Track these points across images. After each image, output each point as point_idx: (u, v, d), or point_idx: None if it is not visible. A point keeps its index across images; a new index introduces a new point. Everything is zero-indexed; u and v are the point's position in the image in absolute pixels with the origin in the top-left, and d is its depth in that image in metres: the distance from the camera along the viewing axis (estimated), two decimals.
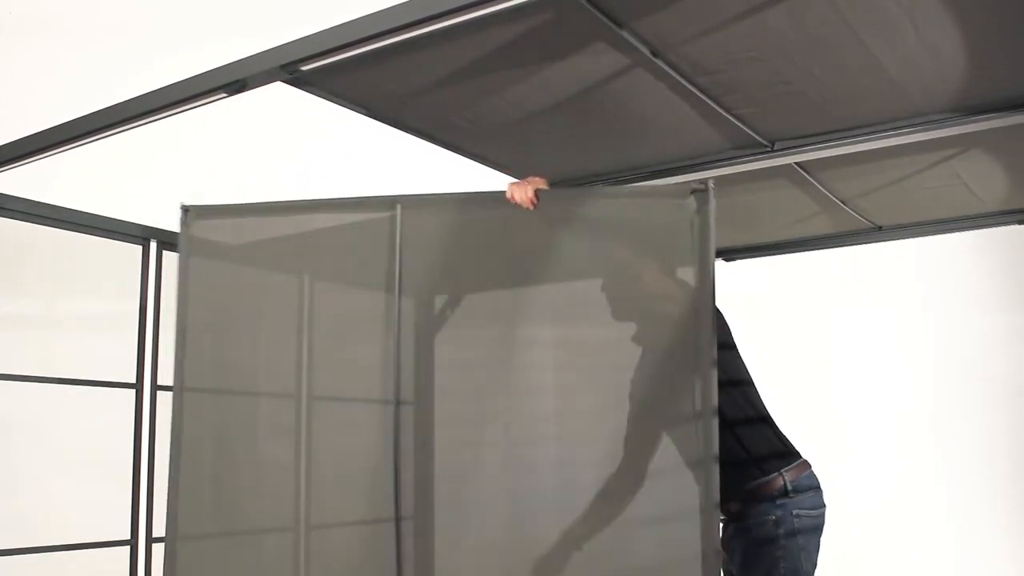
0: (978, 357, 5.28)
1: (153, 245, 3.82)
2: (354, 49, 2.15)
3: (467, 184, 3.62)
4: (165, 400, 3.75)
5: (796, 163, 3.00)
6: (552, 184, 3.24)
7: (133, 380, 3.66)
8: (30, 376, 3.35)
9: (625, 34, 2.15)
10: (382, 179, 5.79)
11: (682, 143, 2.86)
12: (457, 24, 2.02)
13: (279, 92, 2.45)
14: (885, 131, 2.68)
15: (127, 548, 3.55)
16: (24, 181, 3.24)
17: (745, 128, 2.71)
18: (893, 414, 5.42)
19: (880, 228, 3.86)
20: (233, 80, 2.34)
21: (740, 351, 2.68)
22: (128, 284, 3.76)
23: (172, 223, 3.96)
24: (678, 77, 2.37)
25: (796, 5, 2.03)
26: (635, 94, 2.50)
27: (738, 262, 4.36)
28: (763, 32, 2.15)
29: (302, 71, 2.29)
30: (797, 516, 2.46)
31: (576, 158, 3.04)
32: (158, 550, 3.62)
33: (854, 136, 2.73)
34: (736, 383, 2.59)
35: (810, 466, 2.61)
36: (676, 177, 3.04)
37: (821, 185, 3.26)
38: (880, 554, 5.31)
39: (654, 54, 2.26)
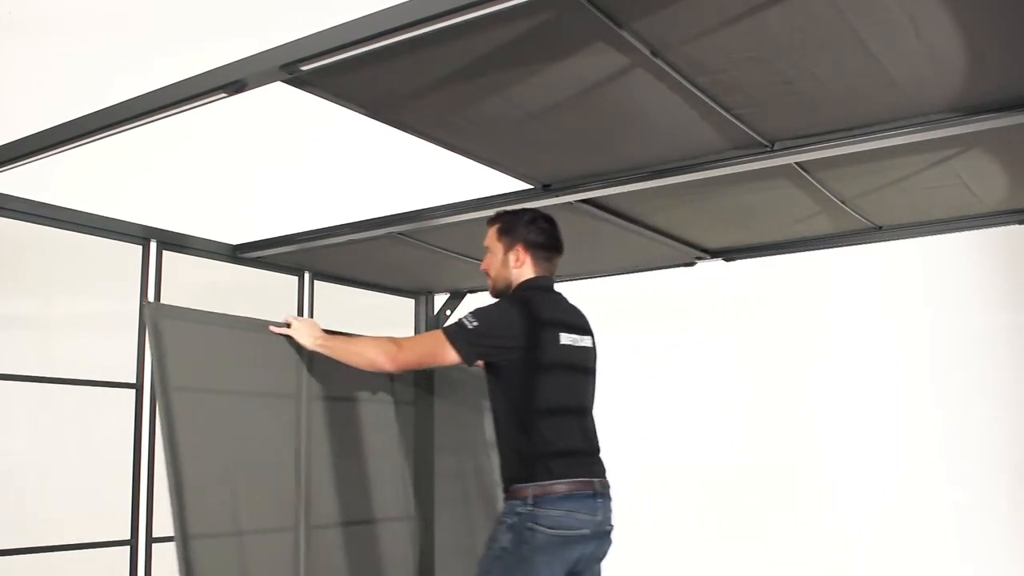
0: (978, 357, 5.27)
1: (153, 245, 3.82)
2: (354, 49, 2.15)
3: (467, 184, 3.63)
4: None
5: (796, 163, 3.00)
6: (552, 184, 3.26)
7: (133, 380, 3.66)
8: (30, 376, 3.35)
9: (625, 34, 2.15)
10: (382, 179, 5.80)
11: (682, 143, 2.86)
12: (457, 24, 2.02)
13: (279, 92, 2.45)
14: (885, 131, 2.68)
15: (127, 548, 3.56)
16: (24, 181, 3.24)
17: (745, 128, 2.71)
18: (893, 414, 5.42)
19: (880, 228, 3.86)
20: (233, 80, 2.34)
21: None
22: (128, 284, 3.77)
23: (172, 223, 3.97)
24: (678, 77, 2.37)
25: (796, 5, 2.03)
26: (635, 94, 2.50)
27: (738, 262, 4.37)
28: (763, 32, 2.15)
29: (302, 71, 2.29)
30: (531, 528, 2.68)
31: (576, 158, 3.04)
32: (158, 550, 3.63)
33: (854, 136, 2.72)
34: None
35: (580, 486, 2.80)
36: (676, 177, 3.04)
37: (821, 185, 3.26)
38: (879, 554, 5.31)
39: (654, 54, 2.26)
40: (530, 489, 2.71)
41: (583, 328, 3.03)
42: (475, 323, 2.79)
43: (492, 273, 3.06)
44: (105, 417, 3.62)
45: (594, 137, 2.85)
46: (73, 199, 3.59)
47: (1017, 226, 3.68)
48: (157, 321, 3.01)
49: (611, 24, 2.11)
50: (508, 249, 3.01)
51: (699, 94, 2.47)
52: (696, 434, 5.89)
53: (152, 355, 2.98)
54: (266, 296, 4.48)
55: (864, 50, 2.22)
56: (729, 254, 4.30)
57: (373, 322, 5.10)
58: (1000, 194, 3.39)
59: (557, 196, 3.27)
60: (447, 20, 2.00)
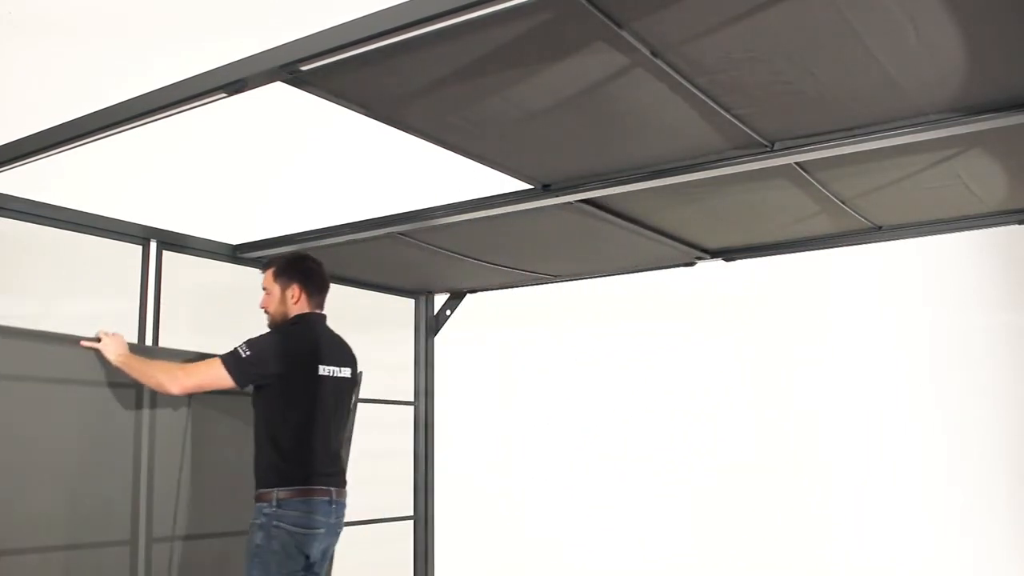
0: (978, 357, 5.27)
1: (153, 245, 3.82)
2: (354, 49, 2.15)
3: (467, 184, 3.63)
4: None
5: (796, 163, 3.00)
6: (552, 184, 3.26)
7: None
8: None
9: (625, 34, 2.15)
10: (382, 179, 5.80)
11: (682, 143, 2.86)
12: (457, 24, 2.02)
13: (279, 92, 2.45)
14: (885, 131, 2.68)
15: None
16: (24, 181, 3.24)
17: (745, 128, 2.71)
18: (892, 414, 5.41)
19: (880, 228, 3.86)
20: (233, 80, 2.35)
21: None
22: (128, 284, 3.76)
23: (172, 223, 3.97)
24: (678, 77, 2.37)
25: (796, 5, 2.03)
26: (635, 94, 2.50)
27: (738, 262, 4.37)
28: (763, 32, 2.15)
29: (302, 71, 2.29)
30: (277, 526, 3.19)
31: (576, 158, 3.04)
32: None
33: (854, 136, 2.73)
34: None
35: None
36: (676, 177, 3.04)
37: (821, 185, 3.26)
38: (879, 553, 5.30)
39: (654, 54, 2.26)
40: (275, 493, 3.21)
41: (343, 361, 3.50)
42: (247, 352, 3.22)
43: (271, 310, 3.46)
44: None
45: (594, 137, 2.85)
46: (73, 199, 3.59)
47: (1017, 226, 3.68)
48: None
49: (611, 24, 2.11)
50: (284, 288, 3.43)
51: (699, 94, 2.47)
52: (696, 434, 5.89)
53: None
54: None
55: (864, 50, 2.22)
56: (729, 254, 4.30)
57: (373, 322, 5.11)
58: (1000, 194, 3.39)
59: (557, 196, 3.28)
60: (447, 20, 2.00)
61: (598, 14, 2.07)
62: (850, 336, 5.64)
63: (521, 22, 2.10)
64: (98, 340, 3.22)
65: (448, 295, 5.23)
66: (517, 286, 5.02)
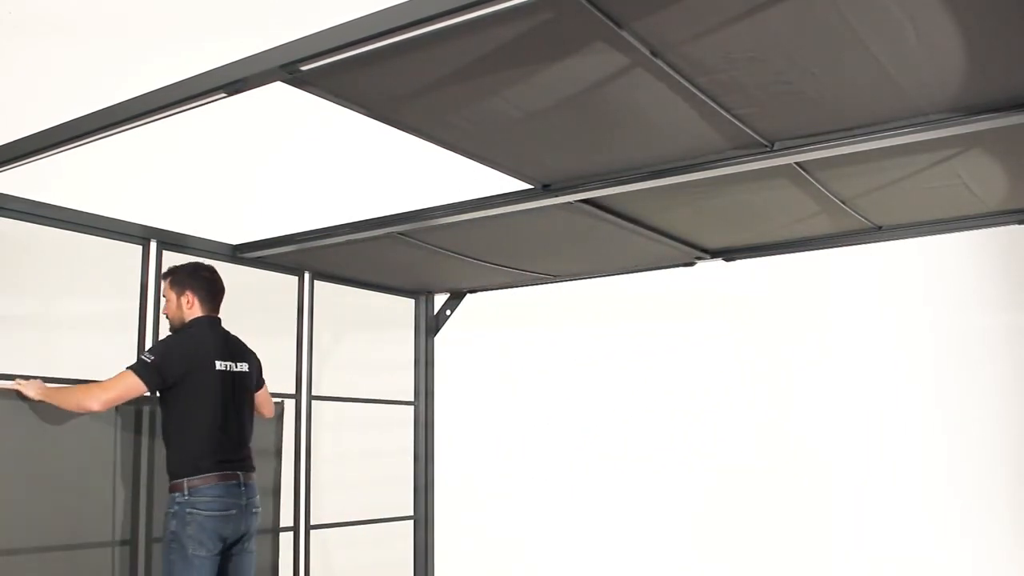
0: (978, 357, 5.27)
1: (153, 245, 3.83)
2: (354, 49, 2.15)
3: (467, 184, 3.63)
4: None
5: (796, 163, 3.00)
6: (552, 184, 3.26)
7: None
8: (29, 376, 3.35)
9: (625, 34, 2.15)
10: (382, 179, 5.80)
11: (682, 143, 2.86)
12: (457, 24, 2.02)
13: (279, 92, 2.45)
14: (885, 131, 2.68)
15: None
16: (24, 181, 3.24)
17: (745, 128, 2.70)
18: (892, 414, 5.41)
19: (880, 228, 3.86)
20: (233, 80, 2.35)
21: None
22: (128, 284, 3.76)
23: (172, 223, 3.97)
24: (678, 77, 2.37)
25: (796, 5, 2.03)
26: (635, 94, 2.50)
27: (738, 262, 4.36)
28: (763, 32, 2.15)
29: (302, 71, 2.29)
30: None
31: (576, 158, 3.04)
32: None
33: (854, 136, 2.72)
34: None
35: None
36: (676, 177, 3.04)
37: (821, 185, 3.25)
38: (879, 552, 5.30)
39: (654, 54, 2.26)
40: (186, 482, 3.42)
41: (239, 356, 3.74)
42: (152, 357, 3.45)
43: (170, 315, 3.69)
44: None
45: (594, 137, 2.85)
46: (73, 199, 3.59)
47: (1017, 226, 3.68)
48: None
49: (611, 24, 2.11)
50: (179, 295, 3.65)
51: (699, 94, 2.47)
52: (696, 433, 5.89)
53: None
54: (266, 296, 4.49)
55: (864, 50, 2.22)
56: (729, 254, 4.30)
57: (373, 322, 5.11)
58: (1000, 194, 3.39)
59: (557, 196, 3.28)
60: (447, 20, 2.00)
61: (598, 14, 2.06)
62: (850, 336, 5.64)
63: (521, 22, 2.10)
64: (16, 383, 3.35)
65: (448, 295, 5.23)
66: (517, 286, 5.02)
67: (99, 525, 3.50)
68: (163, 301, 3.70)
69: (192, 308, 3.64)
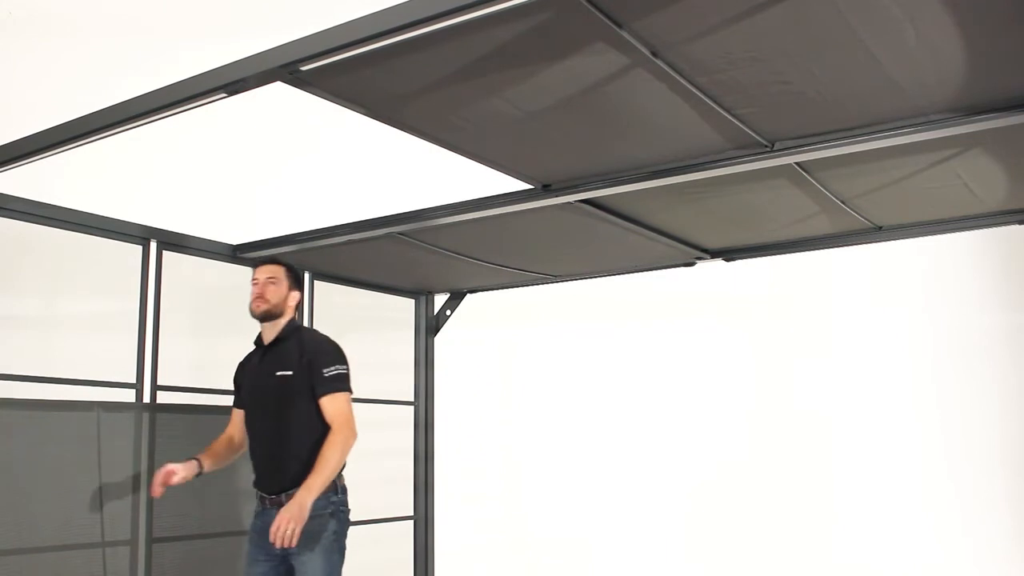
0: (978, 357, 5.27)
1: (153, 245, 3.83)
2: (354, 49, 2.15)
3: (467, 184, 3.63)
4: (165, 399, 3.75)
5: (796, 163, 3.00)
6: (552, 184, 3.26)
7: (133, 380, 3.66)
8: (30, 376, 3.35)
9: (625, 34, 2.15)
10: (382, 179, 5.80)
11: (682, 143, 2.86)
12: (457, 24, 2.02)
13: (279, 92, 2.45)
14: (885, 131, 2.68)
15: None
16: (24, 181, 3.24)
17: (745, 128, 2.71)
18: (892, 413, 5.41)
19: (880, 228, 3.86)
20: (233, 80, 2.35)
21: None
22: (128, 284, 3.76)
23: (172, 223, 3.97)
24: (678, 77, 2.37)
25: (796, 5, 2.03)
26: (635, 94, 2.50)
27: (738, 262, 4.36)
28: (763, 32, 2.15)
29: (302, 71, 2.29)
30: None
31: (576, 158, 3.04)
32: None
33: (854, 136, 2.73)
34: None
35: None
36: (676, 177, 3.04)
37: (821, 185, 3.26)
38: (880, 551, 5.31)
39: (654, 54, 2.26)
40: (338, 482, 3.45)
41: None
42: (345, 366, 3.51)
43: (274, 300, 3.56)
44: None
45: (594, 137, 2.85)
46: (74, 199, 3.59)
47: (1017, 226, 3.68)
48: None
49: (611, 24, 2.11)
50: (291, 290, 3.62)
51: (699, 94, 2.47)
52: (696, 433, 5.89)
53: None
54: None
55: (864, 50, 2.22)
56: (729, 254, 4.30)
57: (373, 322, 5.11)
58: (1000, 194, 3.39)
59: (557, 196, 3.28)
60: (447, 20, 2.00)
61: (598, 14, 2.07)
62: (850, 336, 5.63)
63: (521, 22, 2.10)
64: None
65: (448, 295, 5.23)
66: (517, 286, 5.02)
67: (91, 526, 3.46)
68: (270, 285, 3.55)
69: (291, 308, 3.61)
